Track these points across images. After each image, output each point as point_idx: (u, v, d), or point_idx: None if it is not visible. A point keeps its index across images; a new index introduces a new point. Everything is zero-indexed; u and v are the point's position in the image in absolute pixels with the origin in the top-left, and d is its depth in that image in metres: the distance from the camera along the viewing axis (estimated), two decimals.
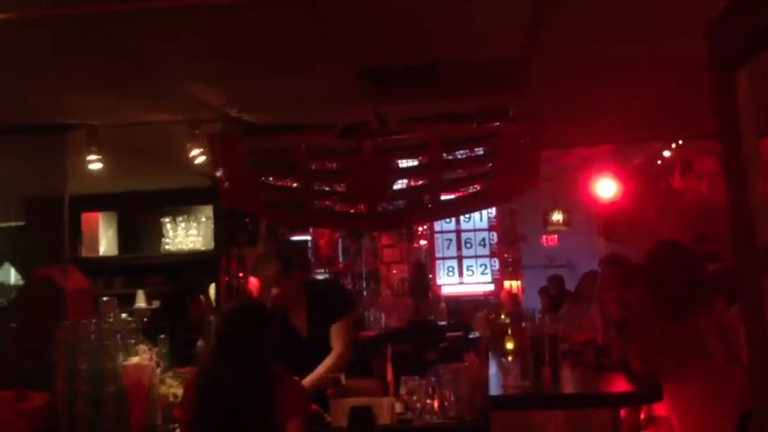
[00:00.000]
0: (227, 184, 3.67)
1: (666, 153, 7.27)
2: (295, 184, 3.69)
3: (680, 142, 6.61)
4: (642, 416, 3.87)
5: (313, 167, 3.63)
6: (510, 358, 3.99)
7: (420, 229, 10.89)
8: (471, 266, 10.69)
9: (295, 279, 3.84)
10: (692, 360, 3.49)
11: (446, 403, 3.33)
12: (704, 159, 6.87)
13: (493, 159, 3.35)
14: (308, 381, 3.58)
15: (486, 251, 10.67)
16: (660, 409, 3.65)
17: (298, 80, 3.18)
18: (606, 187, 8.88)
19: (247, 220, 6.52)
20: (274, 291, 3.76)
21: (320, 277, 8.48)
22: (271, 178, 3.75)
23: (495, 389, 3.52)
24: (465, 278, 10.70)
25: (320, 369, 3.69)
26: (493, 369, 3.98)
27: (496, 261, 10.65)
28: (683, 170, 7.49)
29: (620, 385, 3.50)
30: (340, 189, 3.70)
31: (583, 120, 4.12)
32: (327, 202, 3.78)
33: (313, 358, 3.75)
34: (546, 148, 4.93)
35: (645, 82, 3.34)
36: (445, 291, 10.65)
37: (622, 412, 3.90)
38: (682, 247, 3.89)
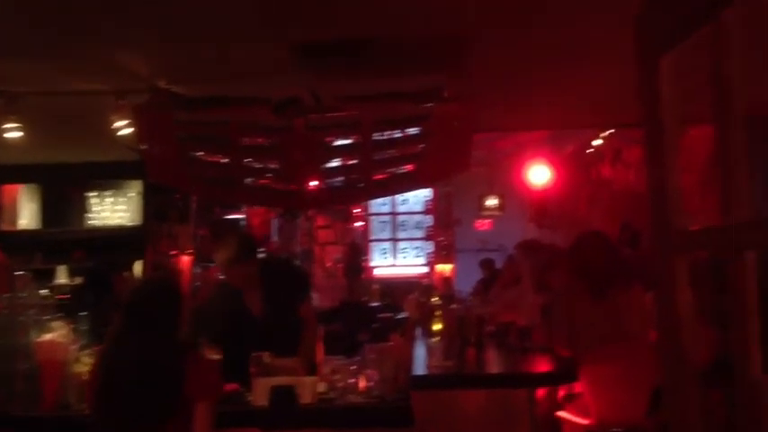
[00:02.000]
0: (153, 158, 3.56)
1: (597, 142, 7.44)
2: (226, 160, 3.62)
3: (611, 131, 6.77)
4: (561, 393, 3.99)
5: (244, 143, 3.56)
6: (436, 339, 4.03)
7: (356, 210, 10.92)
8: (406, 249, 10.80)
9: (253, 263, 3.79)
10: (612, 341, 3.61)
11: (371, 383, 3.34)
12: (632, 148, 7.05)
13: (425, 140, 3.35)
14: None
15: (421, 234, 10.79)
16: (579, 386, 3.77)
17: (230, 52, 3.10)
18: (539, 174, 9.04)
19: (178, 196, 6.38)
20: (231, 273, 3.71)
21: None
22: (201, 153, 3.66)
23: (420, 369, 3.56)
24: (399, 260, 10.81)
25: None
26: (421, 350, 4.03)
27: (431, 244, 10.77)
28: (612, 159, 7.69)
29: (539, 366, 3.59)
30: (272, 166, 3.64)
31: (518, 104, 4.16)
32: (259, 179, 3.72)
33: (267, 338, 3.65)
34: (481, 131, 4.97)
35: (578, 69, 3.38)
36: (379, 272, 10.74)
37: (541, 392, 4.01)
38: (602, 235, 4.07)
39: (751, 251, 1.41)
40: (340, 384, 3.37)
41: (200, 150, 3.65)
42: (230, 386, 3.39)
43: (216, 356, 3.40)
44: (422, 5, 2.56)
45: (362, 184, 3.51)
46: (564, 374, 3.46)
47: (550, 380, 3.57)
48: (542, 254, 4.74)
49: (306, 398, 3.22)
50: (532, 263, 4.71)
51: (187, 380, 2.65)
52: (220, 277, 3.90)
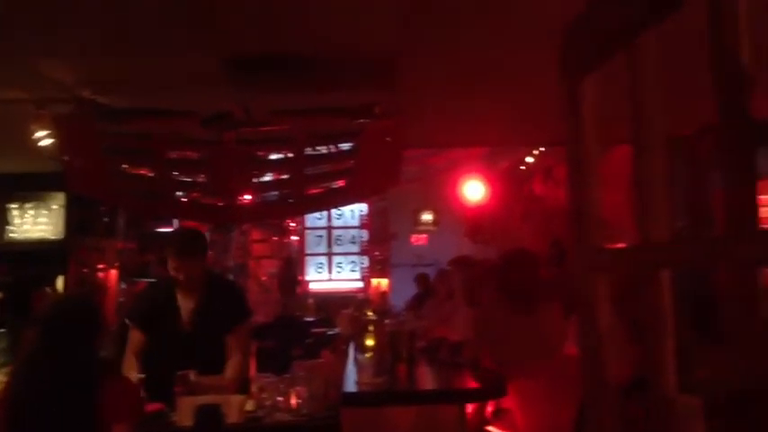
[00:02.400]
0: (75, 170, 3.44)
1: (529, 159, 7.59)
2: (152, 173, 3.52)
3: (542, 149, 6.92)
4: (490, 409, 4.02)
5: (172, 156, 3.47)
6: (368, 355, 4.01)
7: (291, 224, 10.83)
8: (341, 263, 10.76)
9: (203, 263, 3.73)
10: (537, 356, 3.67)
11: (300, 400, 3.29)
12: (563, 166, 7.18)
13: (356, 156, 3.34)
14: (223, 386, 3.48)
15: (357, 248, 10.77)
16: (508, 402, 3.81)
17: (158, 64, 3.03)
18: (474, 190, 9.15)
19: (104, 208, 6.19)
20: (180, 266, 3.60)
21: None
22: (125, 166, 3.55)
23: (350, 386, 3.53)
24: (334, 275, 10.75)
25: (223, 379, 3.57)
26: (353, 366, 3.99)
27: (366, 259, 10.77)
28: (544, 176, 7.85)
29: (468, 382, 3.61)
30: (200, 180, 3.57)
31: (449, 121, 4.20)
32: (187, 193, 3.63)
33: (187, 346, 3.60)
34: (414, 147, 5.00)
35: (506, 88, 3.43)
36: (314, 287, 10.66)
37: (471, 407, 4.03)
38: (526, 253, 4.16)
39: (666, 270, 1.44)
40: (268, 402, 3.32)
41: (126, 163, 3.55)
42: (154, 406, 3.30)
43: (138, 376, 3.31)
44: (349, 24, 2.56)
45: (293, 200, 3.48)
46: (492, 390, 3.49)
47: (479, 395, 3.59)
48: (474, 269, 4.79)
49: (232, 417, 3.15)
50: (464, 278, 4.75)
51: (104, 402, 2.55)
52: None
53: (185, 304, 3.68)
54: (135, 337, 3.66)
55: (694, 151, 3.67)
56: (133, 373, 3.43)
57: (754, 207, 1.06)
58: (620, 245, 1.52)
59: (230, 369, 3.61)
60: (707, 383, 2.16)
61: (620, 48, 1.42)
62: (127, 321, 3.77)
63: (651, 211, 1.46)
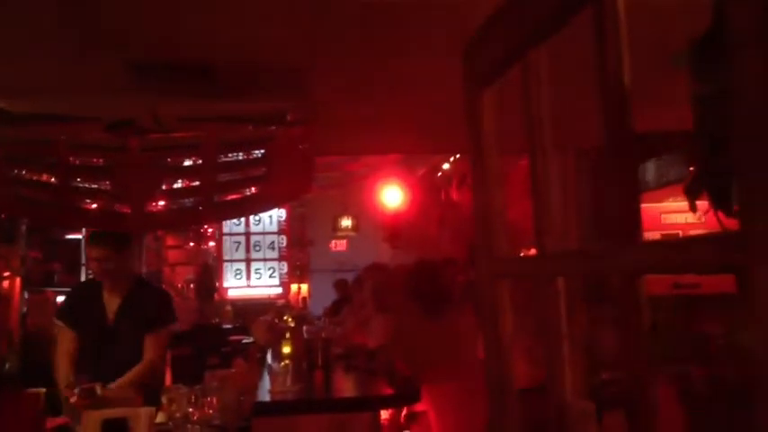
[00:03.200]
0: None
1: (446, 166, 7.72)
2: (53, 180, 3.40)
3: (457, 156, 7.04)
4: (404, 413, 4.07)
5: (75, 162, 3.36)
6: (284, 363, 3.99)
7: (209, 230, 10.65)
8: (260, 269, 10.64)
9: (124, 259, 3.79)
10: (448, 360, 3.73)
11: (212, 411, 3.24)
12: None
13: (268, 163, 3.32)
14: (115, 385, 3.48)
15: (276, 254, 10.69)
16: (422, 405, 3.86)
17: (59, 67, 2.91)
18: (392, 196, 9.23)
19: (2, 216, 5.93)
20: (99, 267, 3.72)
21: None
22: (24, 172, 3.42)
23: (265, 395, 3.50)
24: (253, 281, 10.63)
25: (129, 375, 3.58)
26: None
27: (285, 264, 10.69)
28: (459, 182, 7.99)
29: (383, 388, 3.64)
30: (105, 187, 3.47)
31: (364, 129, 4.21)
32: (90, 201, 3.53)
33: (109, 345, 3.65)
34: (328, 154, 5.00)
35: (422, 97, 3.47)
36: (232, 293, 10.50)
37: (386, 413, 4.07)
38: (433, 261, 4.29)
39: (561, 277, 1.50)
40: (178, 414, 3.25)
41: (24, 169, 3.41)
42: (57, 421, 3.19)
43: (38, 390, 3.19)
44: (255, 32, 2.54)
45: (204, 207, 3.43)
46: (406, 396, 3.52)
47: (393, 402, 3.62)
48: (384, 275, 4.84)
49: (140, 430, 3.07)
50: (375, 284, 4.79)
51: (3, 419, 2.44)
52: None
53: (111, 301, 3.77)
54: (65, 336, 3.71)
55: (598, 163, 3.83)
56: (65, 375, 3.47)
57: (637, 219, 1.11)
58: (533, 251, 1.57)
59: (133, 372, 3.61)
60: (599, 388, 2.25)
61: (513, 63, 1.47)
62: (56, 321, 3.84)
63: (546, 222, 1.52)
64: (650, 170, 4.16)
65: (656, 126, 3.39)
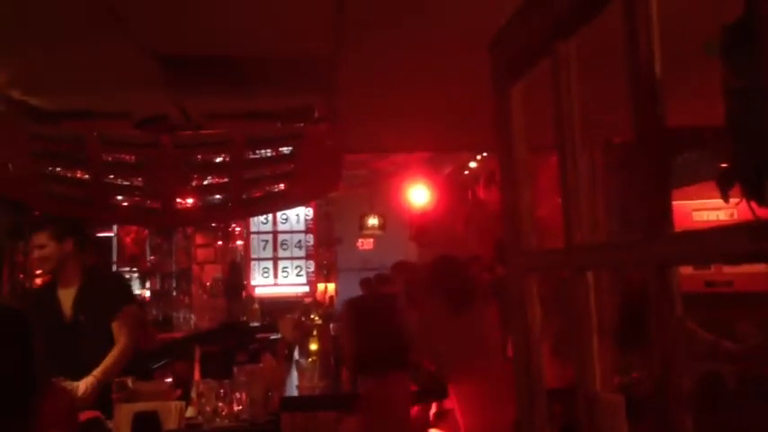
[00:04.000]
0: (6, 174, 3.34)
1: (473, 164, 7.70)
2: (86, 177, 3.46)
3: (484, 154, 7.02)
4: (433, 411, 4.06)
5: (106, 159, 3.42)
6: (311, 359, 4.01)
7: (237, 229, 10.74)
8: (287, 268, 10.69)
9: (66, 249, 3.74)
10: (474, 357, 3.71)
11: (240, 406, 3.27)
12: None
13: (295, 160, 3.34)
14: (97, 373, 3.48)
15: (303, 253, 10.73)
16: (450, 403, 3.86)
17: (91, 63, 2.96)
18: (419, 194, 9.22)
19: (37, 213, 6.02)
20: (39, 253, 3.70)
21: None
22: (58, 169, 3.48)
23: (293, 390, 3.53)
24: (280, 279, 10.68)
25: (107, 361, 3.56)
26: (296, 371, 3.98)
27: (312, 263, 10.73)
28: (486, 181, 7.96)
29: (411, 384, 3.64)
30: (137, 183, 3.53)
31: (393, 126, 4.22)
32: (123, 197, 3.59)
33: (72, 340, 3.62)
34: (355, 152, 5.01)
35: (448, 92, 3.47)
36: (260, 292, 10.56)
37: (414, 410, 4.06)
38: (453, 258, 4.24)
39: (590, 271, 1.49)
40: (208, 408, 3.29)
41: (58, 166, 3.48)
42: (89, 413, 3.24)
43: (72, 383, 3.24)
44: (281, 26, 2.56)
45: (233, 203, 3.46)
46: (433, 391, 3.52)
47: (419, 398, 3.62)
48: (413, 273, 4.84)
49: (170, 423, 3.11)
50: (405, 282, 4.79)
51: (40, 412, 2.48)
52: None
53: (65, 297, 3.74)
54: None
55: (628, 157, 3.79)
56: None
57: (667, 210, 1.10)
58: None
59: (109, 357, 3.59)
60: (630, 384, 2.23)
61: (542, 56, 1.46)
62: None
63: (575, 215, 1.51)
64: (681, 167, 4.11)
65: (689, 121, 3.35)
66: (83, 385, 3.38)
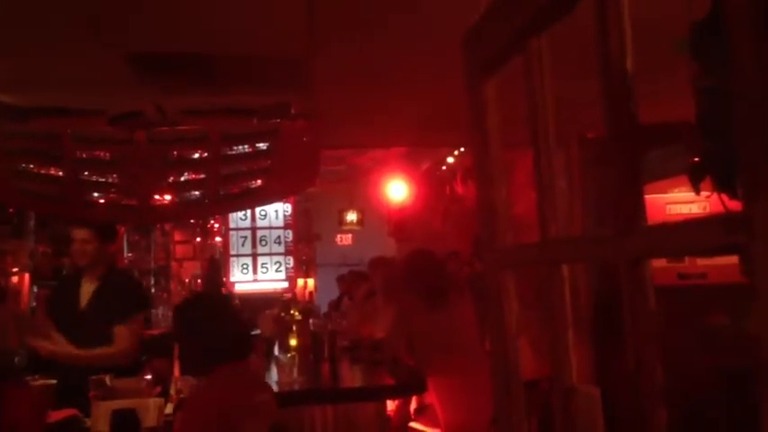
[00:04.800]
0: None
1: (450, 159, 7.71)
2: (60, 173, 3.43)
3: (461, 149, 7.04)
4: (414, 406, 4.09)
5: (82, 156, 3.38)
6: (290, 354, 4.01)
7: (215, 225, 10.68)
8: (266, 264, 10.64)
9: (104, 249, 3.90)
10: (451, 352, 3.74)
11: None
12: None
13: (272, 156, 3.33)
14: (73, 350, 3.58)
15: (282, 249, 10.67)
16: (430, 397, 3.88)
17: (63, 61, 2.93)
18: (397, 190, 9.22)
19: (11, 210, 5.95)
20: (80, 247, 3.80)
21: None
22: (31, 166, 3.44)
23: (272, 386, 3.52)
24: (259, 275, 10.63)
25: (93, 352, 3.64)
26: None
27: (291, 259, 10.70)
28: (464, 176, 7.98)
29: (388, 378, 3.66)
30: (112, 180, 3.50)
31: (370, 122, 4.23)
32: (98, 194, 3.56)
33: (79, 329, 3.70)
34: (332, 147, 5.01)
35: (424, 89, 3.48)
36: (239, 288, 10.51)
37: (395, 404, 4.09)
38: (428, 253, 4.27)
39: (565, 264, 1.50)
40: None
41: (31, 164, 3.44)
42: (66, 412, 3.21)
43: (47, 381, 3.21)
44: (255, 24, 2.55)
45: (209, 200, 3.44)
46: (412, 386, 3.54)
47: (399, 392, 3.64)
48: (391, 268, 4.86)
49: (150, 421, 3.09)
50: (383, 277, 4.81)
51: (4, 411, 2.46)
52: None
53: (86, 288, 3.86)
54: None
55: (602, 152, 3.82)
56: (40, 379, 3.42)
57: (640, 204, 1.12)
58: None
59: (95, 352, 3.66)
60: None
61: (515, 53, 1.47)
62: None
63: (550, 210, 1.52)
64: (654, 161, 4.16)
65: (661, 117, 3.39)
66: (48, 347, 3.42)
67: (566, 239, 1.55)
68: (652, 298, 1.09)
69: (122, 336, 3.74)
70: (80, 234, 3.84)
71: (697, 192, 1.06)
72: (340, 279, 8.71)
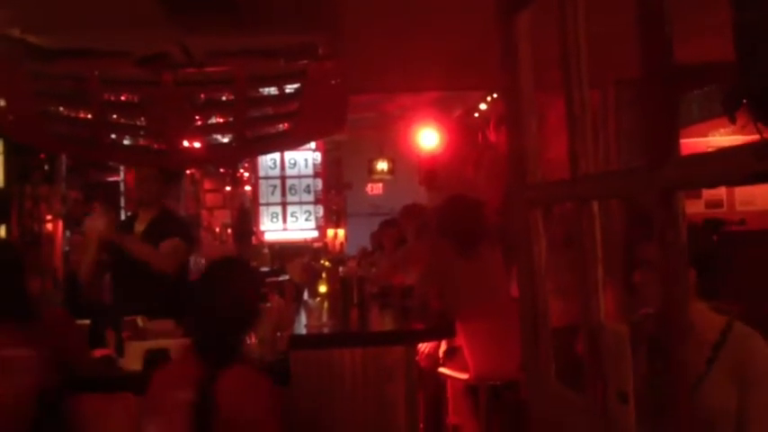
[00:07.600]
0: (9, 115, 3.31)
1: (483, 106, 7.58)
2: (89, 116, 3.43)
3: (494, 96, 6.91)
4: (444, 348, 4.12)
5: (109, 98, 3.37)
6: (319, 300, 4.04)
7: (245, 174, 10.71)
8: (296, 213, 10.68)
9: (166, 189, 4.01)
10: (482, 298, 3.73)
11: (249, 345, 3.29)
12: None
13: (300, 98, 3.29)
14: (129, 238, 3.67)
15: (311, 198, 10.69)
16: (458, 340, 3.90)
17: (89, 0, 2.90)
18: (428, 138, 9.12)
19: (43, 155, 6.00)
20: (144, 184, 3.82)
21: None
22: (61, 108, 3.44)
23: (300, 330, 3.55)
24: (289, 224, 10.68)
25: (147, 246, 3.70)
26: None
27: (321, 208, 10.72)
28: (497, 123, 7.85)
29: (417, 324, 3.67)
30: (140, 123, 3.50)
31: (399, 64, 4.15)
32: (126, 137, 3.56)
33: (126, 267, 3.75)
34: (360, 91, 4.93)
35: (455, 28, 3.38)
36: (269, 237, 10.59)
37: (424, 348, 4.12)
38: (466, 199, 4.22)
39: (595, 201, 1.46)
40: None
41: (60, 106, 3.43)
42: (100, 351, 3.29)
43: (83, 322, 3.28)
44: None
45: (236, 143, 3.43)
46: (440, 330, 3.54)
47: (427, 335, 3.65)
48: (422, 217, 4.85)
49: None
50: (414, 226, 4.80)
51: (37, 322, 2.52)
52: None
53: (139, 224, 3.90)
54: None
55: (639, 94, 3.71)
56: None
57: (674, 138, 1.07)
58: None
59: (148, 248, 3.70)
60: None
61: None
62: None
63: (581, 146, 1.47)
64: (694, 104, 4.04)
65: (702, 57, 3.26)
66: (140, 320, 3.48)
67: (596, 175, 1.51)
68: (684, 231, 1.05)
69: (164, 248, 3.77)
70: (147, 171, 3.82)
71: (733, 120, 1.00)
72: (373, 236, 8.70)
